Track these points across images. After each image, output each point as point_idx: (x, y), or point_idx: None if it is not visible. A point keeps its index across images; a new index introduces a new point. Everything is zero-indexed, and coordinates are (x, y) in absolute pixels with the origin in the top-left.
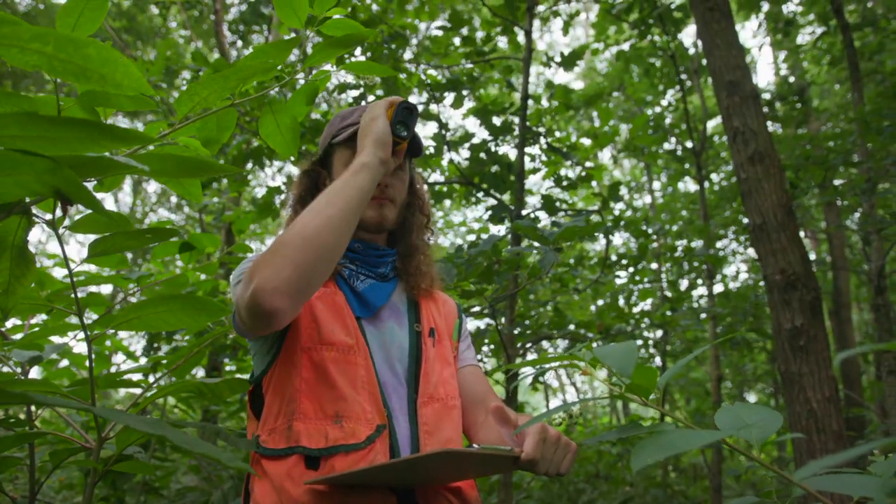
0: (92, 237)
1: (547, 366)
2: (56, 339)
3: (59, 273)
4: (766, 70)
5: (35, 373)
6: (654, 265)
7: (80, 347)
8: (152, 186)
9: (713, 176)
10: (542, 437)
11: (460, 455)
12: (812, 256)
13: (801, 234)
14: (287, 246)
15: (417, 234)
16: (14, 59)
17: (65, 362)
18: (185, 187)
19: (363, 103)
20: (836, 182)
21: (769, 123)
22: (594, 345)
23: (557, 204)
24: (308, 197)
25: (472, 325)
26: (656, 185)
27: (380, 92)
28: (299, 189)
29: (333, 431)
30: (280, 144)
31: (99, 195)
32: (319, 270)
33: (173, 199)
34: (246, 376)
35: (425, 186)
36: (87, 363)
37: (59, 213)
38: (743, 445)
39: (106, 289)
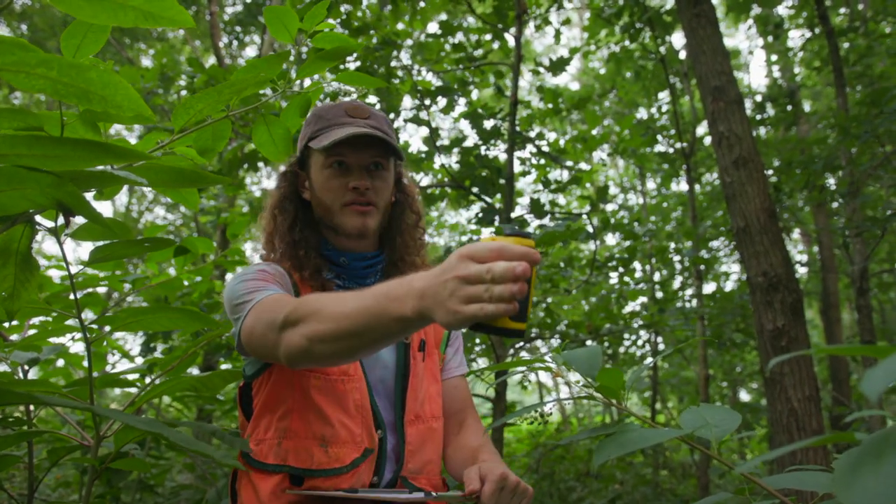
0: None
1: (523, 368)
2: (52, 339)
3: (54, 273)
4: (758, 72)
5: (32, 372)
6: (647, 266)
7: (76, 347)
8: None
9: (706, 177)
10: (500, 485)
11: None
12: (804, 257)
13: (795, 234)
14: (325, 330)
15: (409, 235)
16: (21, 84)
17: (60, 362)
18: (182, 195)
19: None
20: (828, 183)
21: (760, 128)
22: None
23: (548, 207)
24: (287, 202)
25: None
26: (650, 184)
27: (372, 98)
28: (279, 193)
29: (318, 455)
30: (273, 153)
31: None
32: (347, 360)
33: (169, 199)
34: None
35: (413, 184)
36: (83, 363)
37: (61, 221)
38: (734, 445)
39: (101, 287)
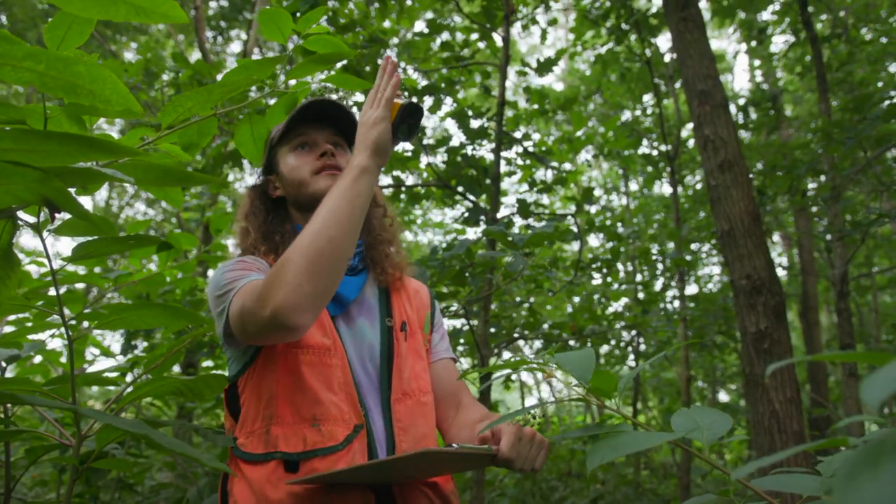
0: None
1: (515, 369)
2: (30, 335)
3: (32, 268)
4: (742, 75)
5: (7, 369)
6: (629, 267)
7: (54, 343)
8: None
9: (688, 179)
10: (518, 436)
11: (439, 454)
12: (785, 259)
13: (776, 236)
14: (298, 263)
15: (379, 223)
16: (7, 77)
17: (37, 358)
18: (167, 192)
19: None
20: (810, 185)
21: (743, 132)
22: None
23: (533, 207)
24: (258, 203)
25: (446, 324)
26: (633, 185)
27: (359, 96)
28: (249, 200)
29: (312, 435)
30: (251, 153)
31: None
32: (334, 280)
33: (150, 194)
34: (224, 372)
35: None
36: (61, 359)
37: (43, 216)
38: (714, 445)
39: (79, 283)
